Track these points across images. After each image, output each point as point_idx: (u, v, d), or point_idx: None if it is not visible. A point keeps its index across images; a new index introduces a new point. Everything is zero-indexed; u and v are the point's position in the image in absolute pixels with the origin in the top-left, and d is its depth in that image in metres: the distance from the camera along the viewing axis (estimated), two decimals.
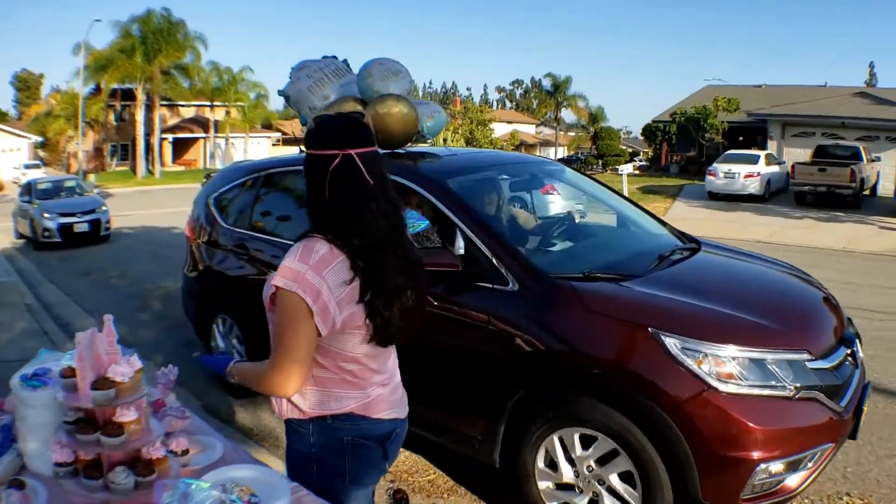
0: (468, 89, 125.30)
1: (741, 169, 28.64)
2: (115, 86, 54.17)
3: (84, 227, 19.37)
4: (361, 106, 5.55)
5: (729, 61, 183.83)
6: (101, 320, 2.38)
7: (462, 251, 4.79)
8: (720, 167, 29.33)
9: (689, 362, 3.68)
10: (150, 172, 54.95)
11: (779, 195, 29.74)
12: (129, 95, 57.21)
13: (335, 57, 6.48)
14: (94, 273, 14.38)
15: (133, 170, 56.17)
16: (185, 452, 2.62)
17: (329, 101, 5.87)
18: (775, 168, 30.39)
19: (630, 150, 73.48)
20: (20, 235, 21.21)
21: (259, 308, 3.50)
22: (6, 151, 56.72)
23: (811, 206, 26.54)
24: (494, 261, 4.44)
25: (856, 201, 26.12)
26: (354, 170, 2.40)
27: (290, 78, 6.11)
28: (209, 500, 2.05)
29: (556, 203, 6.62)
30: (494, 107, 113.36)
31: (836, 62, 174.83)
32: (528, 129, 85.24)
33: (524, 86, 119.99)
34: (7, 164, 54.61)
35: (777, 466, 3.65)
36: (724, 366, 3.69)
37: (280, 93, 6.24)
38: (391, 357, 2.72)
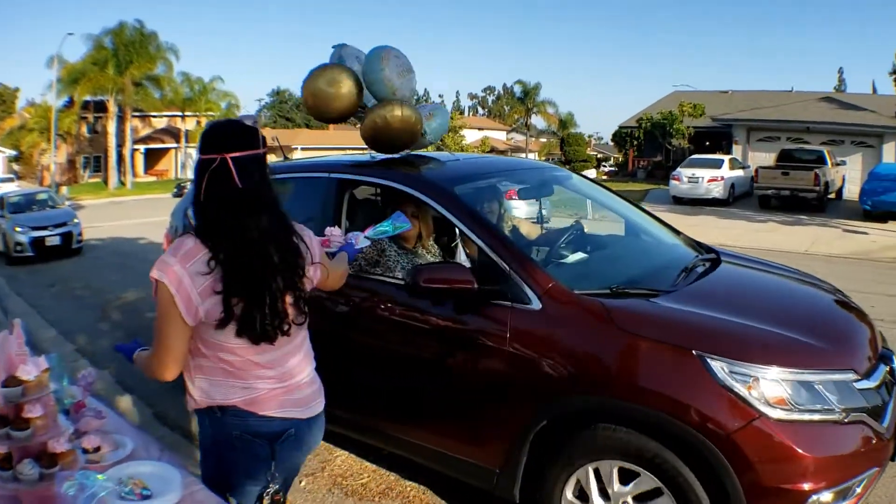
0: (440, 96, 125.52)
1: (705, 173, 29.15)
2: (88, 98, 54.46)
3: (56, 241, 19.18)
4: (346, 74, 5.19)
5: (700, 68, 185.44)
6: (10, 325, 2.57)
7: (467, 264, 4.66)
8: (684, 171, 29.83)
9: (739, 387, 3.38)
10: (122, 183, 54.98)
11: (743, 199, 30.29)
12: (101, 107, 57.26)
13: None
14: (59, 284, 14.51)
15: (105, 181, 56.20)
16: (98, 449, 2.78)
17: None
18: (740, 172, 30.97)
19: (601, 155, 74.06)
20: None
21: None
22: None
23: (775, 209, 27.10)
24: (514, 277, 4.06)
25: (820, 205, 26.64)
26: (226, 173, 2.56)
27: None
28: (104, 491, 2.23)
29: (521, 209, 6.56)
30: (467, 113, 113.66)
31: (807, 68, 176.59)
32: (499, 136, 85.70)
33: (496, 92, 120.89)
34: None
35: (827, 496, 3.36)
36: (774, 390, 3.40)
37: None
38: (293, 356, 2.83)
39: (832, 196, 29.84)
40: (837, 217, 24.89)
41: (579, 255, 4.98)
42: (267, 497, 2.78)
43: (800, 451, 3.29)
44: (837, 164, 30.68)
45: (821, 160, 28.51)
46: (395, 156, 5.49)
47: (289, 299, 2.69)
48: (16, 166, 62.25)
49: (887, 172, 24.46)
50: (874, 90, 45.84)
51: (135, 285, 12.69)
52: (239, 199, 2.57)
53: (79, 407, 3.07)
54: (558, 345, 3.86)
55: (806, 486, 3.29)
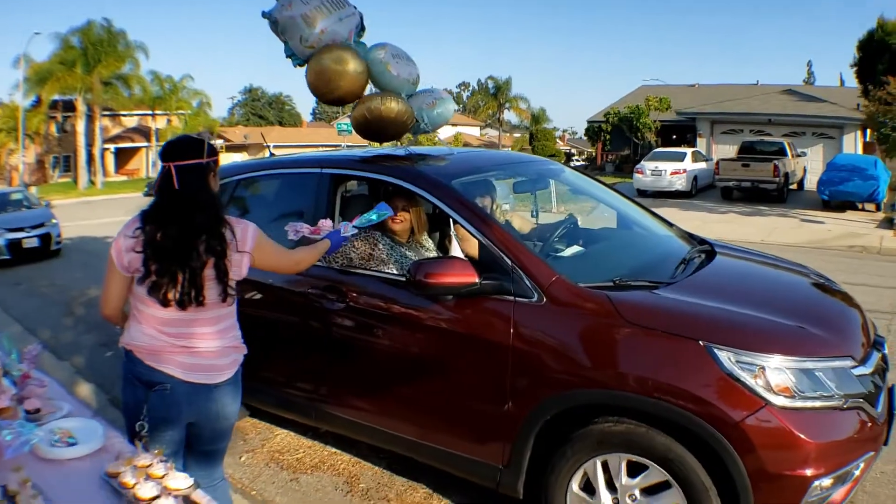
0: None
1: (668, 166, 29.80)
2: (57, 97, 53.65)
3: (34, 243, 18.06)
4: (352, 54, 5.09)
5: (672, 62, 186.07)
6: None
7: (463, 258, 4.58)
8: (647, 165, 30.48)
9: (745, 377, 3.42)
10: (93, 183, 54.46)
11: (706, 191, 30.90)
12: (70, 107, 56.68)
13: None
14: (25, 283, 14.70)
15: (75, 181, 55.58)
16: (37, 411, 3.21)
17: (321, 34, 5.08)
18: (702, 165, 31.56)
19: (574, 149, 74.52)
20: None
21: (242, 325, 4.07)
22: None
23: (737, 201, 27.78)
24: (517, 271, 4.04)
25: (780, 196, 27.28)
26: (169, 178, 3.24)
27: (279, 1, 5.24)
28: (36, 438, 2.68)
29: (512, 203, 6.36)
30: None
31: (777, 62, 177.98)
32: (473, 132, 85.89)
33: (471, 88, 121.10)
34: None
35: (827, 481, 3.41)
36: (779, 378, 3.44)
37: (265, 14, 5.37)
38: (202, 327, 3.37)
39: (794, 187, 30.53)
40: (797, 207, 25.49)
41: (576, 249, 4.99)
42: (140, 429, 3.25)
43: (803, 437, 3.34)
44: (798, 156, 31.31)
45: (781, 152, 29.11)
46: (390, 151, 5.56)
47: (208, 275, 3.25)
48: None
49: (844, 163, 25.09)
50: (842, 83, 46.74)
51: (98, 282, 12.91)
52: (175, 197, 3.23)
53: (25, 378, 3.48)
54: (563, 338, 3.88)
55: (808, 472, 3.34)
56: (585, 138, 57.98)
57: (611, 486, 3.79)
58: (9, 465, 2.46)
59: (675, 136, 43.19)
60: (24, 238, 17.91)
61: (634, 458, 3.66)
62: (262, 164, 6.18)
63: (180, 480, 2.47)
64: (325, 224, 4.34)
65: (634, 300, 3.89)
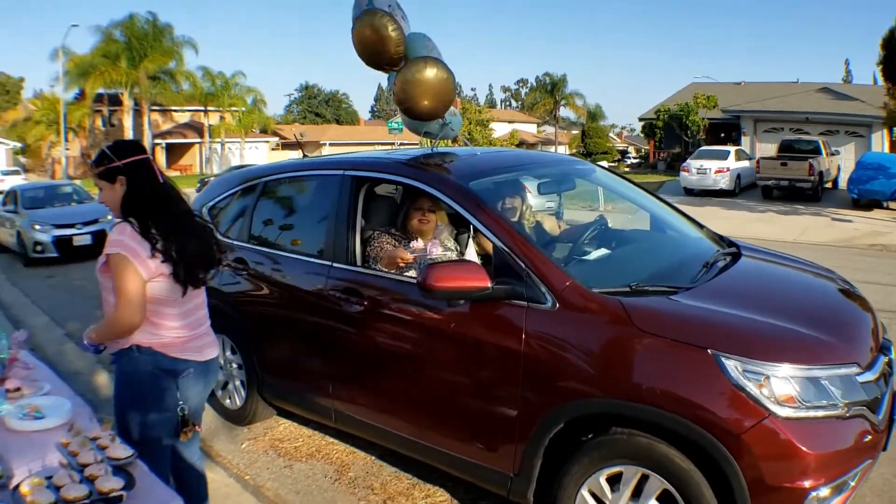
0: (472, 89, 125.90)
1: (712, 164, 29.61)
2: (102, 91, 54.25)
3: (86, 240, 16.54)
4: (439, 65, 5.06)
5: (720, 59, 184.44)
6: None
7: (477, 260, 4.62)
8: (693, 163, 30.30)
9: (751, 387, 3.34)
10: None
11: (750, 190, 30.60)
12: (116, 101, 57.47)
13: None
14: (58, 276, 14.78)
15: None
16: (18, 389, 3.49)
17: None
18: (745, 163, 31.29)
19: (632, 147, 74.13)
20: (2, 249, 18.89)
21: (264, 326, 4.53)
22: None
23: (777, 199, 27.60)
24: (530, 275, 3.96)
25: (815, 194, 27.11)
26: (152, 171, 3.62)
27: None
28: (4, 412, 3.07)
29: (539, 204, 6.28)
30: (500, 106, 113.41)
31: (818, 60, 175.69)
32: (529, 129, 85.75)
33: (529, 85, 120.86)
34: None
35: (825, 492, 3.33)
36: (784, 388, 3.36)
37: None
38: (201, 310, 3.73)
39: (829, 185, 30.29)
40: (830, 206, 25.32)
41: (602, 252, 4.86)
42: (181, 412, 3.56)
43: (803, 448, 3.27)
44: (832, 154, 31.06)
45: (816, 151, 28.98)
46: (415, 152, 5.47)
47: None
48: (22, 159, 62.04)
49: (872, 161, 24.88)
50: (875, 81, 46.03)
51: None
52: (165, 187, 3.58)
53: (12, 360, 3.77)
54: (575, 346, 3.78)
55: (807, 484, 3.27)
56: (642, 135, 57.64)
57: (620, 497, 3.71)
58: None
59: (722, 135, 42.85)
60: (74, 235, 16.59)
61: (638, 468, 3.59)
62: (288, 166, 6.21)
63: (120, 449, 2.69)
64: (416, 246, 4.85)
65: (647, 307, 3.79)
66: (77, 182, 25.55)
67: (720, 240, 5.50)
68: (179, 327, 3.53)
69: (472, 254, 5.04)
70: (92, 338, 3.52)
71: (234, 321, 5.79)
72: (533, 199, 5.88)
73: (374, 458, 5.48)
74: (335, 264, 5.00)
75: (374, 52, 5.14)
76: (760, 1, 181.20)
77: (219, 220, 6.29)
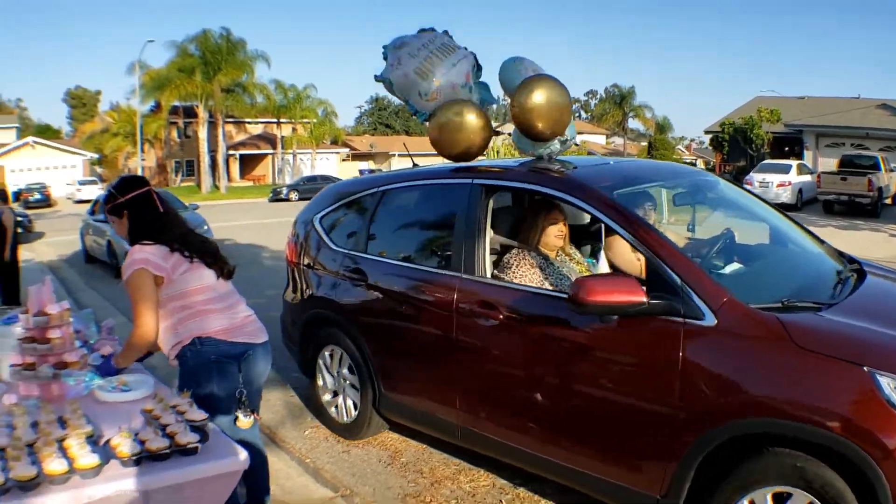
0: None
1: (774, 178, 29.58)
2: (177, 103, 55.50)
3: None
4: (475, 109, 5.06)
5: (785, 73, 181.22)
6: (43, 280, 3.74)
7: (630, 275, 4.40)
8: (756, 176, 30.27)
9: None
10: (216, 188, 56.33)
11: (812, 204, 30.38)
12: (191, 113, 58.86)
13: (433, 29, 5.48)
14: None
15: (198, 185, 57.76)
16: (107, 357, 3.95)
17: (438, 84, 5.10)
18: (807, 177, 31.12)
19: (700, 160, 73.66)
20: (90, 259, 18.02)
21: (383, 339, 5.03)
22: (59, 168, 58.25)
23: (838, 214, 27.38)
24: (686, 290, 3.78)
25: (874, 210, 26.93)
26: (152, 200, 4.02)
27: (388, 60, 5.29)
28: (93, 385, 3.51)
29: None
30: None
31: (879, 74, 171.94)
32: (598, 140, 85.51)
33: (598, 96, 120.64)
34: (60, 181, 55.85)
35: None
36: None
37: (378, 78, 5.40)
38: (235, 298, 4.13)
39: (888, 202, 29.97)
40: (889, 222, 25.18)
41: (735, 266, 4.71)
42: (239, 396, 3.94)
43: None
44: (891, 171, 30.74)
45: (875, 166, 28.71)
46: (539, 162, 5.16)
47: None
48: (99, 169, 63.89)
49: None
50: None
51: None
52: (165, 210, 4.00)
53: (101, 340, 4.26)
54: (733, 364, 3.64)
55: None
56: (710, 148, 57.33)
57: None
58: (68, 402, 3.17)
59: (786, 148, 42.58)
60: None
61: (795, 491, 3.42)
62: (409, 175, 6.03)
63: (196, 413, 3.12)
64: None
65: (805, 323, 3.64)
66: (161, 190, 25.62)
67: (840, 255, 5.27)
68: (226, 313, 3.96)
69: (604, 267, 5.04)
70: (119, 363, 3.85)
71: (350, 333, 5.74)
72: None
73: (425, 445, 5.81)
74: (465, 276, 4.88)
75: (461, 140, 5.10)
76: (823, 18, 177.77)
77: (331, 229, 6.22)
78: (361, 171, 65.73)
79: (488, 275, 4.86)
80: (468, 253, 4.90)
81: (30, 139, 61.75)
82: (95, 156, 61.54)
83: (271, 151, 67.01)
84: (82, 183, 52.16)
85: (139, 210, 3.89)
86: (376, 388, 5.59)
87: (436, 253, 5.47)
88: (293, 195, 46.54)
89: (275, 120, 63.15)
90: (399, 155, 66.96)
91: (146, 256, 3.71)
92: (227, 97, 54.88)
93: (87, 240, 17.84)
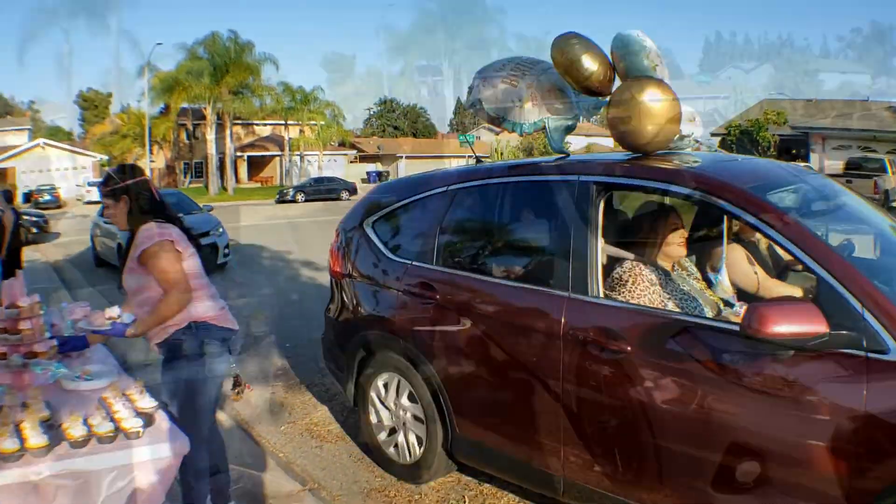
0: None
1: None
2: (185, 105, 56.14)
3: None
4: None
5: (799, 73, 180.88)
6: (16, 274, 3.94)
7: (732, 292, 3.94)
8: None
9: None
10: (224, 189, 56.77)
11: None
12: (200, 115, 59.44)
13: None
14: None
15: (206, 186, 58.10)
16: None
17: (531, 90, 4.59)
18: None
19: None
20: (100, 262, 17.28)
21: (460, 369, 4.55)
22: (69, 170, 58.16)
23: None
24: (867, 318, 3.11)
25: None
26: (150, 190, 4.23)
27: (473, 86, 4.86)
28: (60, 374, 3.68)
29: None
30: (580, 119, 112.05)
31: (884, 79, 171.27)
32: (606, 143, 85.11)
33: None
34: (70, 182, 55.72)
35: None
36: None
37: (468, 107, 4.98)
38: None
39: (894, 204, 29.81)
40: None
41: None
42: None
43: None
44: None
45: (881, 169, 28.89)
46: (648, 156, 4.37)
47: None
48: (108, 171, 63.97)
49: None
50: None
51: (248, 290, 13.54)
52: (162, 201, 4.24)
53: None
54: None
55: None
56: (719, 150, 57.20)
57: None
58: (31, 389, 3.40)
59: (793, 151, 42.60)
60: None
61: None
62: (490, 170, 5.35)
63: (146, 401, 3.35)
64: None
65: None
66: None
67: None
68: (214, 299, 4.18)
69: (726, 283, 4.36)
70: (136, 333, 3.98)
71: (415, 360, 4.90)
72: None
73: None
74: (575, 295, 4.04)
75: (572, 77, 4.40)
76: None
77: (388, 236, 5.41)
78: (368, 174, 66.11)
79: (601, 294, 4.03)
80: (577, 267, 4.06)
81: (41, 141, 61.87)
82: (105, 157, 61.81)
83: (279, 153, 67.45)
84: (91, 184, 52.25)
85: (139, 194, 4.07)
86: (449, 428, 4.76)
87: (532, 266, 4.66)
88: (300, 196, 46.78)
89: (283, 122, 63.58)
90: (406, 157, 67.32)
91: (169, 230, 3.96)
92: (234, 99, 55.38)
93: (97, 242, 17.53)
